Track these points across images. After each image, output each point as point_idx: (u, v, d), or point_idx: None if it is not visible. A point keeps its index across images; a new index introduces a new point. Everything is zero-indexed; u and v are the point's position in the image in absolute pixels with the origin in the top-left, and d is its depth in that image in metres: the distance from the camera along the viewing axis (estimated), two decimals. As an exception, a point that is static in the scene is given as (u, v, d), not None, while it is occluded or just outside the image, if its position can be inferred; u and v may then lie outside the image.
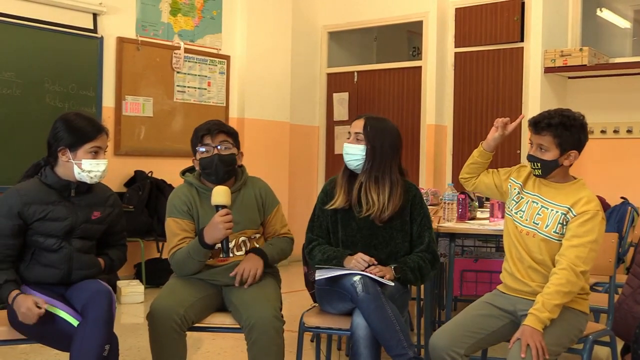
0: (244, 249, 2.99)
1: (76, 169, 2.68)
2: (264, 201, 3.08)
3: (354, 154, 2.95)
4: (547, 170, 2.71)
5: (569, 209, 2.66)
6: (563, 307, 2.63)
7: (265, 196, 3.06)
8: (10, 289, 2.58)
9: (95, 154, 2.70)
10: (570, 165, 2.74)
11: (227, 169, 2.95)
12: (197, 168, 3.02)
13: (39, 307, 2.51)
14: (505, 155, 6.32)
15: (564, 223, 2.66)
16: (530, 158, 2.74)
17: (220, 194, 2.81)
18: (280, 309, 2.86)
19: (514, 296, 2.75)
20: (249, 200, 3.03)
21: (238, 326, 2.85)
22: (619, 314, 3.15)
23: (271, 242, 3.08)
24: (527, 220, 2.75)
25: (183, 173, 3.09)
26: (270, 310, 2.77)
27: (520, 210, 2.78)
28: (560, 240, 2.66)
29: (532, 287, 2.70)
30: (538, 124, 2.68)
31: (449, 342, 2.59)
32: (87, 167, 2.68)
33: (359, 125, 2.97)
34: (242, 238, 2.99)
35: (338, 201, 2.97)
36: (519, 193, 2.82)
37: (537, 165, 2.72)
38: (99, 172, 2.70)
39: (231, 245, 2.94)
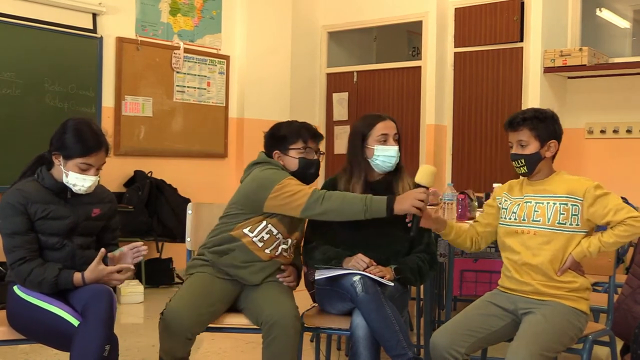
0: (287, 252, 3.03)
1: (64, 177, 2.68)
2: None
3: (394, 155, 2.98)
4: (531, 165, 2.73)
5: (568, 197, 2.67)
6: (563, 307, 2.64)
7: None
8: (70, 273, 2.62)
9: (84, 170, 2.66)
10: (553, 157, 2.76)
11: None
12: (280, 161, 3.00)
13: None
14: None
15: (566, 213, 2.67)
16: (513, 157, 2.76)
17: (427, 174, 2.77)
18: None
19: (515, 295, 2.75)
20: None
21: (253, 326, 2.84)
22: (619, 314, 3.15)
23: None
24: (524, 220, 2.74)
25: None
26: (292, 309, 2.78)
27: (513, 212, 2.78)
28: (565, 231, 2.67)
29: (534, 285, 2.70)
30: (513, 122, 2.75)
31: (449, 341, 2.59)
32: (72, 180, 2.66)
33: (392, 126, 3.01)
34: (293, 240, 3.03)
35: None
36: (506, 200, 2.84)
37: (521, 162, 2.73)
38: (83, 187, 2.67)
39: (286, 247, 2.99)
